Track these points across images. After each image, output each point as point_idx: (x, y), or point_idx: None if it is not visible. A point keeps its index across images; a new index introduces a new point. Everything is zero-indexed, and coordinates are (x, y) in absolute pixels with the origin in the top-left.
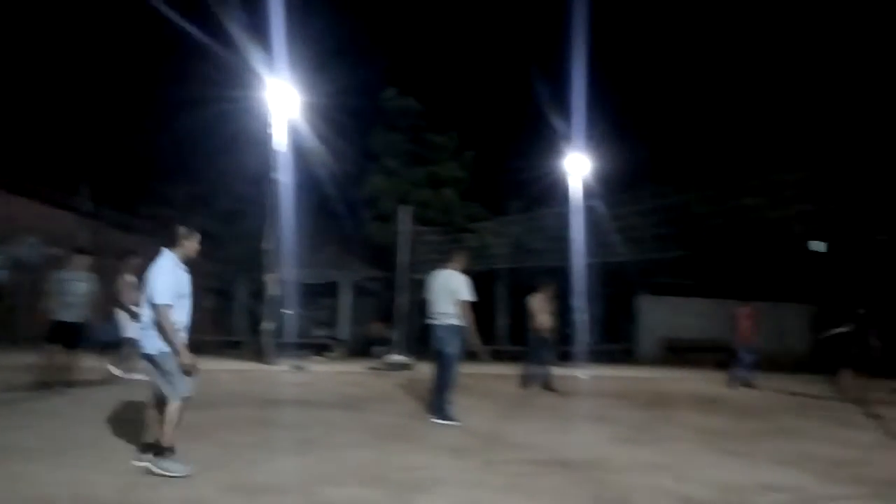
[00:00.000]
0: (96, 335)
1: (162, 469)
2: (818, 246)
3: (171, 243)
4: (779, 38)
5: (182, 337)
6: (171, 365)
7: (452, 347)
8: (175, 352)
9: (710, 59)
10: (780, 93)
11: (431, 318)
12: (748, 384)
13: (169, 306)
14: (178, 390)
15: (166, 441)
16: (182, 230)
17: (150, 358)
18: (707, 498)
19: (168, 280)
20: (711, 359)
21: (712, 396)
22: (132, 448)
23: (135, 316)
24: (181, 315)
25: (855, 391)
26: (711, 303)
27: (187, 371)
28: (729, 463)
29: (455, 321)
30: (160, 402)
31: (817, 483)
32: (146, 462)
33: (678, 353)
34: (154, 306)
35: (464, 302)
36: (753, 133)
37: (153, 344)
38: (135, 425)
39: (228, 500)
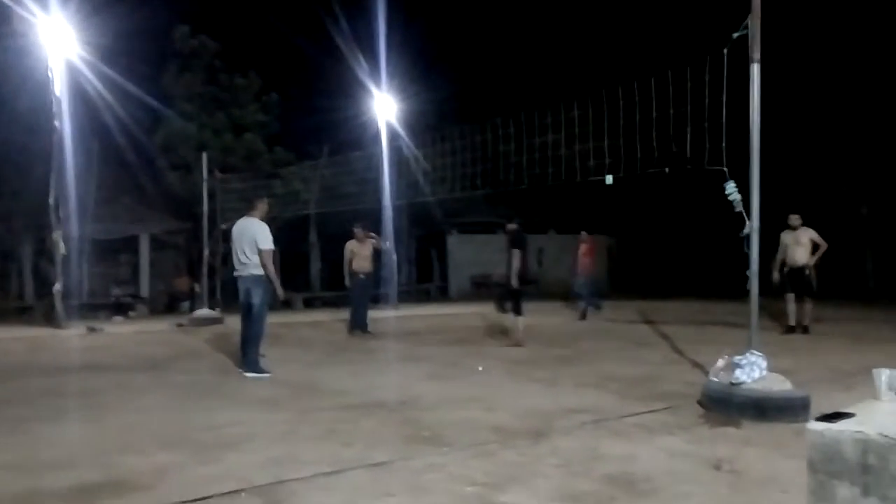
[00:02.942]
0: None
1: None
2: (609, 179)
3: None
4: None
5: None
6: None
7: (258, 298)
8: None
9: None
10: (570, 30)
11: (236, 270)
12: (587, 312)
13: None
14: None
15: None
16: None
17: None
18: (515, 426)
19: None
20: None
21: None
22: None
23: None
24: None
25: None
26: None
27: None
28: (535, 390)
29: (258, 271)
30: None
31: (615, 402)
32: None
33: (488, 289)
34: None
35: (264, 251)
36: (549, 70)
37: None
38: None
39: (11, 482)
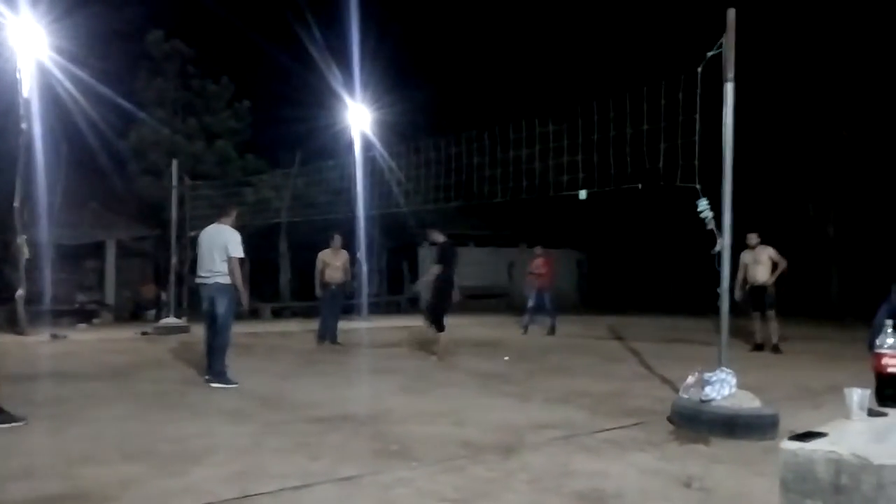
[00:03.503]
0: None
1: None
2: (582, 194)
3: None
4: None
5: None
6: None
7: (223, 307)
8: None
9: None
10: (546, 45)
11: (200, 277)
12: (527, 327)
13: None
14: None
15: None
16: None
17: None
18: (485, 440)
19: None
20: (492, 304)
21: (490, 341)
22: None
23: None
24: None
25: None
26: (488, 251)
27: None
28: (506, 405)
29: (224, 279)
30: None
31: (586, 417)
32: None
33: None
34: None
35: (233, 259)
36: (524, 84)
37: None
38: None
39: None
